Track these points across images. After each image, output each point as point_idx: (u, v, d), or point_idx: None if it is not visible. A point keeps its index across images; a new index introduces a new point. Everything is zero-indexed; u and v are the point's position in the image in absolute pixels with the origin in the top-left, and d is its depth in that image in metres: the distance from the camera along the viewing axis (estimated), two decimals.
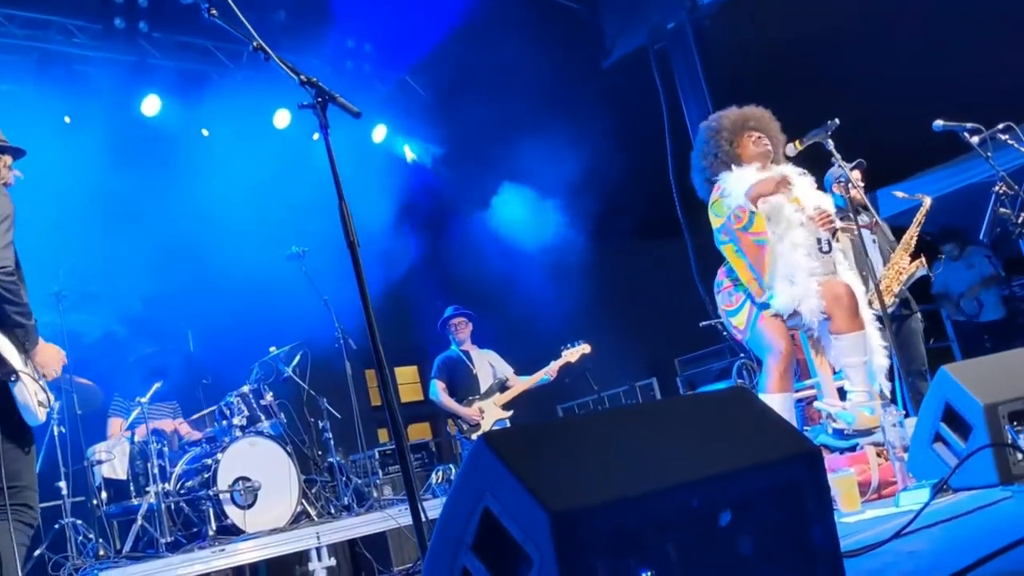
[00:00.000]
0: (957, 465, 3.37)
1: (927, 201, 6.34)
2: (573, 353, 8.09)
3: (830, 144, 5.06)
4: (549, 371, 8.07)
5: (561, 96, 9.76)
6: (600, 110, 9.70)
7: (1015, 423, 3.46)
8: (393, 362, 10.59)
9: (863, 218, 5.93)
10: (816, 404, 5.06)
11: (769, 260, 4.84)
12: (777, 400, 4.63)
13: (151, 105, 8.99)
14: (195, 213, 8.84)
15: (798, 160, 5.26)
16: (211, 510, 6.38)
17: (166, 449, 6.72)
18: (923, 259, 6.14)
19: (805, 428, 5.38)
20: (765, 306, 4.85)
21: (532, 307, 9.95)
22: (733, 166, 5.04)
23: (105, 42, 8.61)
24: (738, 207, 4.87)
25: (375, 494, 7.61)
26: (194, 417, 7.62)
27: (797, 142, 5.10)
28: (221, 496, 6.37)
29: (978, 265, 9.91)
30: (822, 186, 5.48)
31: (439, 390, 8.06)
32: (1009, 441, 3.34)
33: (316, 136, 3.37)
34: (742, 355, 8.26)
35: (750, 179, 4.92)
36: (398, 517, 6.45)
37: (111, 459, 6.74)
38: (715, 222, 5.08)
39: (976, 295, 9.92)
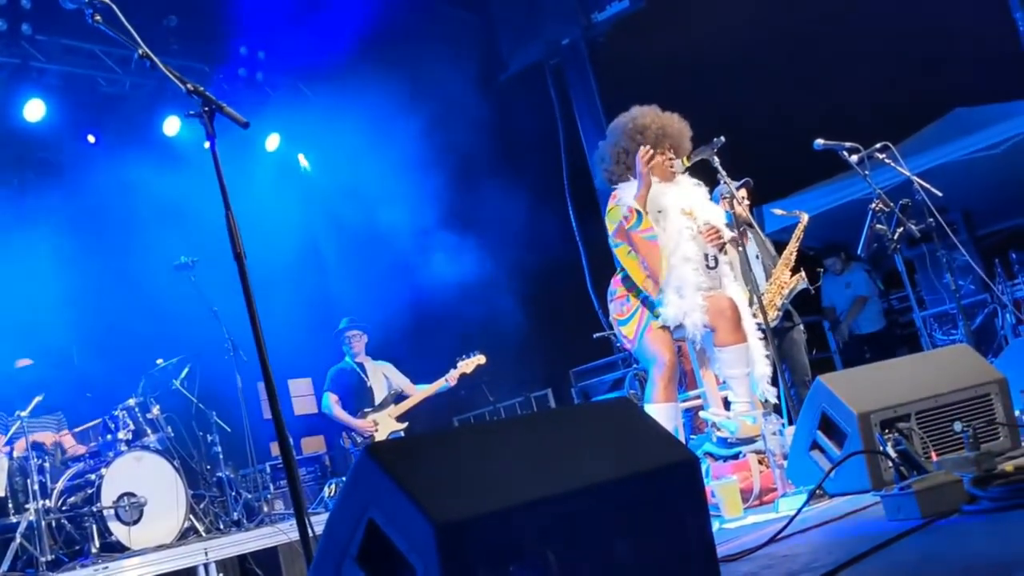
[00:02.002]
0: (828, 471, 3.50)
1: (804, 217, 6.56)
2: (468, 364, 8.12)
3: (716, 161, 5.20)
4: (448, 378, 8.09)
5: (458, 108, 9.79)
6: (497, 123, 9.77)
7: (886, 431, 3.62)
8: (288, 374, 10.45)
9: (748, 234, 6.11)
10: (701, 414, 5.20)
11: (663, 258, 4.94)
12: (661, 410, 4.75)
13: (34, 110, 8.67)
14: (80, 221, 8.59)
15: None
16: (94, 527, 6.21)
17: (47, 465, 6.51)
18: (803, 273, 6.35)
19: (692, 436, 5.51)
20: (654, 317, 4.95)
21: (427, 320, 9.94)
22: (634, 174, 5.14)
23: None
24: (627, 208, 4.97)
25: (266, 508, 7.50)
26: (77, 430, 7.40)
27: (685, 158, 5.23)
28: (105, 512, 6.21)
29: (855, 285, 10.25)
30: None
31: (332, 403, 8.00)
32: (879, 449, 3.49)
33: (207, 145, 3.32)
34: (635, 365, 8.40)
35: (653, 195, 5.04)
36: (289, 532, 6.38)
37: None
38: (610, 228, 5.17)
39: (848, 324, 10.28)
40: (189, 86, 3.30)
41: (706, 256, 5.09)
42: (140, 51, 3.39)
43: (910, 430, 3.60)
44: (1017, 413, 4.16)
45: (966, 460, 3.15)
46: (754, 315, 5.23)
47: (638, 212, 4.95)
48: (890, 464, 3.42)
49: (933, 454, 3.57)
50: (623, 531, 2.13)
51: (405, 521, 1.91)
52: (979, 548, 2.33)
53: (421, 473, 1.98)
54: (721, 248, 5.16)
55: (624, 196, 5.08)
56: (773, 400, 5.14)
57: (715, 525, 3.82)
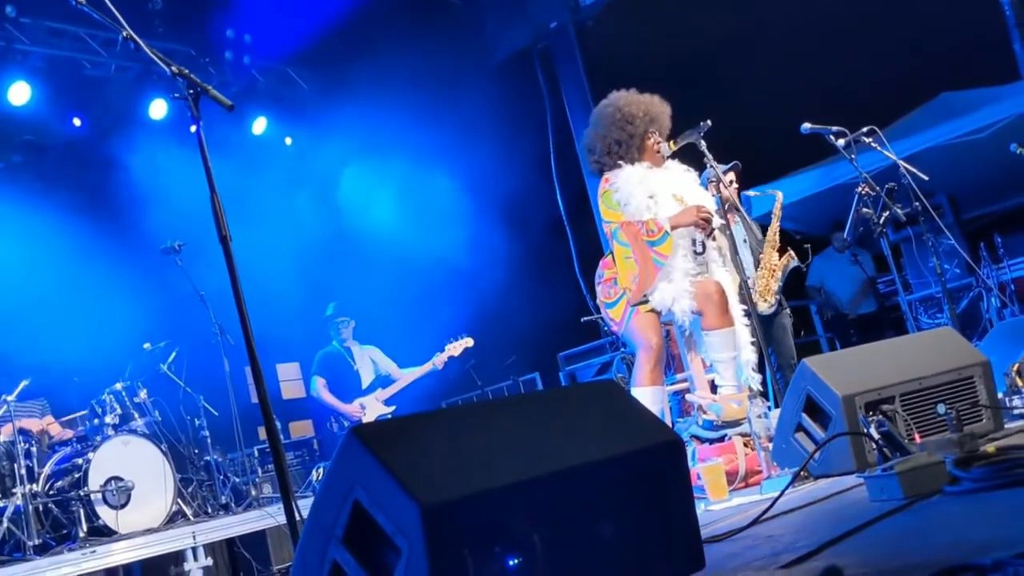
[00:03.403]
0: (812, 453, 3.53)
1: (779, 195, 6.53)
2: (456, 346, 8.14)
3: (703, 145, 5.20)
4: (436, 362, 8.10)
5: (446, 93, 9.76)
6: (485, 107, 9.74)
7: (870, 413, 3.64)
8: (276, 358, 10.45)
9: (735, 218, 6.11)
10: (688, 396, 5.22)
11: (655, 280, 4.94)
12: (648, 393, 4.77)
13: (19, 93, 8.60)
14: (66, 205, 8.55)
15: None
16: (82, 511, 6.20)
17: (34, 449, 6.49)
18: (791, 251, 6.34)
19: (678, 419, 5.54)
20: (642, 301, 4.97)
21: (415, 303, 9.94)
22: (627, 162, 5.13)
23: None
24: (653, 221, 4.95)
25: (254, 492, 7.51)
26: (65, 419, 7.38)
27: (671, 142, 5.23)
28: (92, 496, 6.20)
29: (865, 262, 10.23)
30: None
31: (319, 386, 8.01)
32: (863, 431, 3.51)
33: (193, 128, 3.31)
34: (623, 349, 8.41)
35: (645, 180, 5.04)
36: (276, 515, 6.39)
37: None
38: (605, 213, 5.15)
39: (857, 302, 10.23)
40: (174, 68, 3.29)
41: (693, 241, 5.10)
42: (124, 33, 3.37)
43: (894, 412, 3.63)
44: (1000, 395, 4.20)
45: (949, 442, 3.18)
46: (743, 302, 5.24)
47: (666, 232, 4.93)
48: (874, 446, 3.45)
49: (916, 436, 3.60)
50: (608, 512, 2.15)
51: (391, 502, 1.91)
52: (961, 528, 2.35)
53: (407, 454, 1.99)
54: (710, 234, 5.16)
55: (621, 184, 5.06)
56: (758, 387, 5.16)
57: (700, 507, 3.85)
